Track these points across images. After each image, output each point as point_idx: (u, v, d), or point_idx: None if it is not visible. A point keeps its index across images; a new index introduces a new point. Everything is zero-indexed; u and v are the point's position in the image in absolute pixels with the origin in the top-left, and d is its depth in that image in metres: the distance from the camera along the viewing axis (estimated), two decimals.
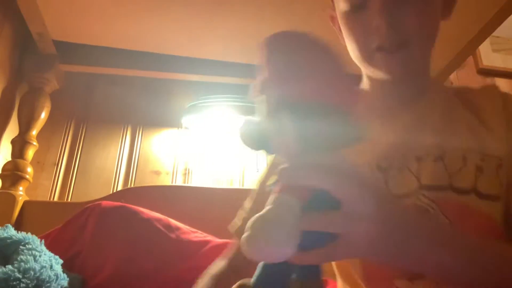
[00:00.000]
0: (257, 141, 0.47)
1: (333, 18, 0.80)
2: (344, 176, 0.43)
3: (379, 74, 0.70)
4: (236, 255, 0.76)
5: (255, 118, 0.47)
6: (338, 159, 0.45)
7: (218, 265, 0.75)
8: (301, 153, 0.44)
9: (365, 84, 0.79)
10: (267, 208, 0.42)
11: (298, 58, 0.45)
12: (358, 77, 0.78)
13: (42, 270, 0.77)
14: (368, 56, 0.68)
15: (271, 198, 0.43)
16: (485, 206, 0.64)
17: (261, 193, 0.80)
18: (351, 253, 0.44)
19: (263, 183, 0.82)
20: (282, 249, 0.40)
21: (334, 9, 0.78)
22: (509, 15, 1.22)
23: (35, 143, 1.32)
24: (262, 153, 1.57)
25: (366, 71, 0.75)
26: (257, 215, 0.41)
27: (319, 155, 0.44)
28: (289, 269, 0.45)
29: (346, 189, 0.43)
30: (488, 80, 1.92)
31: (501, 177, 0.66)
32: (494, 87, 0.76)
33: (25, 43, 1.40)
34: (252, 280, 0.46)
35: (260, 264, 0.46)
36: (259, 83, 0.45)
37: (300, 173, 0.43)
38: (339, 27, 0.77)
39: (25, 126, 1.32)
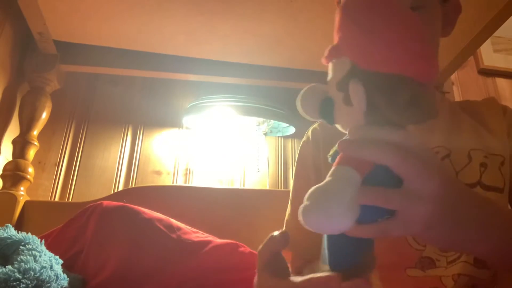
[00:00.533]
0: (319, 109, 0.45)
1: None
2: (408, 154, 0.41)
3: None
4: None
5: (320, 85, 0.45)
6: (403, 136, 0.42)
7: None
8: (367, 126, 0.42)
9: None
10: (326, 179, 0.41)
11: (374, 21, 0.41)
12: None
13: (42, 270, 0.77)
14: None
15: (331, 171, 0.42)
16: (490, 197, 0.67)
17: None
18: (406, 231, 0.43)
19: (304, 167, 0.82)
20: (340, 221, 0.39)
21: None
22: (511, 15, 1.22)
23: (36, 143, 1.32)
24: (256, 148, 1.57)
25: None
26: (315, 186, 0.40)
27: (385, 129, 0.42)
28: (356, 243, 0.44)
29: (410, 168, 0.41)
30: (489, 81, 1.92)
31: (504, 173, 0.70)
32: (494, 99, 0.81)
33: (26, 43, 1.40)
34: (327, 261, 0.45)
35: (326, 243, 0.45)
36: (332, 47, 0.43)
37: (363, 147, 0.41)
38: None
39: (26, 126, 1.32)
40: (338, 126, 0.46)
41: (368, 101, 0.40)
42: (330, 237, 0.45)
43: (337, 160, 0.43)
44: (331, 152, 0.46)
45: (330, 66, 0.45)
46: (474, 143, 0.72)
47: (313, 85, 0.46)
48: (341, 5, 0.43)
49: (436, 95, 0.81)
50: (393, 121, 0.42)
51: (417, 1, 0.67)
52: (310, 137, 0.85)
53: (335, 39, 0.44)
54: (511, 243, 0.48)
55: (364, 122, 0.42)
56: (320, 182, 0.41)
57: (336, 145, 0.43)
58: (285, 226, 0.82)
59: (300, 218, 0.40)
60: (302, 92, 0.46)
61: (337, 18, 0.44)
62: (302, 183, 0.83)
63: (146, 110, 1.58)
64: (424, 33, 0.42)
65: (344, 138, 0.43)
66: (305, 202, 0.40)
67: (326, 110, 0.45)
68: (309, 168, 0.81)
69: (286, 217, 0.83)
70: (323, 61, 0.45)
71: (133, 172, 1.48)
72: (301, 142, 0.88)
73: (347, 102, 0.42)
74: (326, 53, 0.44)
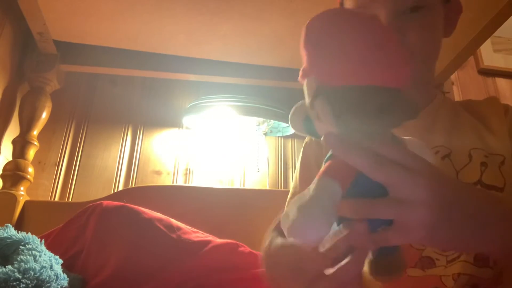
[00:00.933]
0: (303, 127, 0.47)
1: None
2: (384, 160, 0.40)
3: None
4: None
5: (303, 104, 0.46)
6: (386, 141, 0.42)
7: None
8: (341, 134, 0.42)
9: None
10: (308, 189, 0.41)
11: (333, 39, 0.42)
12: None
13: (42, 270, 0.77)
14: None
15: (314, 181, 0.42)
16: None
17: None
18: (407, 239, 0.42)
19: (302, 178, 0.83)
20: (315, 232, 0.40)
21: None
22: (511, 15, 1.22)
23: (36, 143, 1.32)
24: (256, 148, 1.57)
25: None
26: (297, 195, 0.41)
27: (360, 136, 0.42)
28: None
29: (388, 175, 0.40)
30: (489, 80, 1.92)
31: (504, 172, 0.70)
32: (496, 98, 0.81)
33: (25, 43, 1.41)
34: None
35: None
36: (301, 70, 0.44)
37: (344, 147, 0.41)
38: None
39: (26, 126, 1.32)
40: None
41: (339, 115, 0.41)
42: None
43: (321, 170, 0.43)
44: (326, 157, 0.46)
45: (304, 85, 0.45)
46: (475, 143, 0.73)
47: (299, 104, 0.47)
48: (303, 30, 0.44)
49: (438, 94, 0.81)
50: (371, 129, 0.42)
51: (418, 1, 0.68)
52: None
53: (304, 60, 0.45)
54: None
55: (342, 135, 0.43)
56: None
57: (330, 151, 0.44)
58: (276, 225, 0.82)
59: (281, 225, 0.41)
60: (291, 111, 0.48)
61: (302, 37, 0.44)
62: (304, 186, 0.83)
63: (146, 110, 1.58)
64: (388, 40, 0.43)
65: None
66: (288, 212, 0.41)
67: (309, 127, 0.46)
68: (312, 169, 0.81)
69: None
70: (300, 81, 0.45)
71: (133, 172, 1.48)
72: (303, 144, 0.88)
73: (319, 119, 0.43)
74: (300, 73, 0.45)
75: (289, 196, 0.85)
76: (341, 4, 0.80)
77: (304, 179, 0.84)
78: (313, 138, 0.85)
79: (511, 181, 0.70)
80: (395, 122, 0.42)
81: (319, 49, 0.43)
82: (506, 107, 0.78)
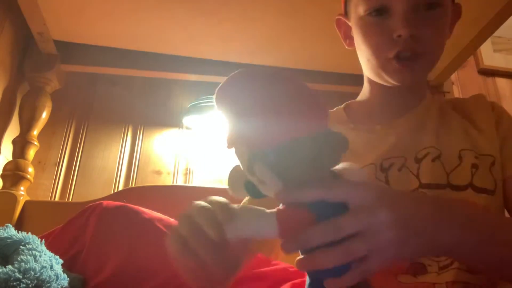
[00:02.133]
0: (246, 190, 0.46)
1: (339, 23, 0.81)
2: (337, 182, 0.43)
3: (389, 81, 0.72)
4: None
5: (240, 167, 0.46)
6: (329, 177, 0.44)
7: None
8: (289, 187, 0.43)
9: (365, 90, 0.81)
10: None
11: (246, 101, 0.43)
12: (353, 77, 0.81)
13: (42, 270, 0.77)
14: (383, 63, 0.71)
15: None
16: (481, 199, 0.67)
17: None
18: (382, 261, 0.42)
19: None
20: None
21: (344, 14, 0.79)
22: (511, 15, 1.22)
23: (36, 143, 1.32)
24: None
25: (374, 77, 0.77)
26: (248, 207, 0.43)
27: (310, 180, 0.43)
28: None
29: (344, 191, 0.42)
30: (489, 80, 1.92)
31: (494, 174, 0.70)
32: (482, 96, 0.81)
33: (26, 43, 1.41)
34: None
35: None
36: (226, 140, 0.44)
37: (297, 192, 0.42)
38: (345, 33, 0.80)
39: (26, 126, 1.32)
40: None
41: (280, 174, 0.42)
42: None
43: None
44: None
45: (234, 153, 0.46)
46: (465, 143, 0.72)
47: (234, 169, 0.47)
48: (215, 101, 0.44)
49: (427, 94, 0.81)
50: (314, 175, 0.43)
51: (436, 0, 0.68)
52: None
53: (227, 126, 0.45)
54: (490, 244, 0.48)
55: (286, 187, 0.44)
56: None
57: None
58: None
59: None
60: (229, 177, 0.48)
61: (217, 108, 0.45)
62: None
63: (146, 110, 1.58)
64: (300, 90, 0.43)
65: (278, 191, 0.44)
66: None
67: (251, 190, 0.46)
68: None
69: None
70: (228, 148, 0.46)
71: (133, 172, 1.48)
72: None
73: (262, 183, 0.43)
74: (226, 142, 0.45)
75: None
76: (345, 3, 0.79)
77: None
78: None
79: (500, 182, 0.70)
80: (332, 161, 0.43)
81: (236, 114, 0.43)
82: (492, 103, 0.79)
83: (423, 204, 0.46)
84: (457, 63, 1.47)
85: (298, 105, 0.42)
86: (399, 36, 0.67)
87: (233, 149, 0.45)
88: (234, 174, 0.47)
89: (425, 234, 0.44)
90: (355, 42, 0.77)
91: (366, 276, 0.42)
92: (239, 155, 0.44)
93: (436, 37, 0.70)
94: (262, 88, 0.43)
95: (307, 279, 0.45)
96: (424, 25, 0.67)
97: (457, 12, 0.77)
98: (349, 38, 0.80)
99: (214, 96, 0.44)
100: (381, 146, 0.73)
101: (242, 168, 0.45)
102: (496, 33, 1.33)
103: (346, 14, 0.80)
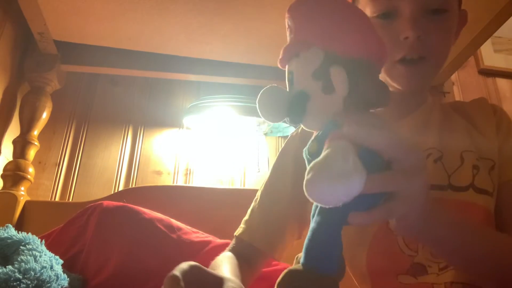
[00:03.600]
0: (290, 104, 0.45)
1: None
2: (395, 136, 0.43)
3: (393, 86, 0.72)
4: (241, 247, 0.76)
5: (277, 86, 0.46)
6: (381, 119, 0.43)
7: (225, 256, 0.72)
8: (344, 112, 0.43)
9: None
10: (324, 153, 0.41)
11: (333, 14, 0.44)
12: None
13: (42, 271, 0.77)
14: (389, 67, 0.70)
15: (325, 147, 0.42)
16: (481, 200, 0.68)
17: (267, 194, 0.81)
18: (408, 208, 0.45)
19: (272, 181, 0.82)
20: (345, 187, 0.38)
21: None
22: (511, 15, 1.22)
23: (36, 143, 1.32)
24: (256, 148, 1.57)
25: None
26: (316, 160, 0.40)
27: (362, 114, 0.43)
28: (337, 242, 0.44)
29: (398, 149, 0.43)
30: (489, 81, 1.92)
31: (492, 177, 0.70)
32: (484, 99, 0.81)
33: (26, 43, 1.41)
34: (301, 260, 0.45)
35: (306, 242, 0.45)
36: (295, 45, 0.44)
37: (352, 131, 0.42)
38: None
39: (26, 126, 1.32)
40: (306, 123, 0.46)
41: (353, 86, 0.42)
42: (312, 236, 0.45)
43: (328, 139, 0.43)
44: (310, 149, 0.46)
45: (296, 62, 0.45)
46: (466, 145, 0.72)
47: (271, 86, 0.47)
48: (297, 5, 0.45)
49: (429, 97, 0.81)
50: (371, 103, 0.43)
51: (444, 4, 0.68)
52: (299, 130, 0.84)
53: (296, 36, 0.45)
54: (478, 250, 0.52)
55: (343, 108, 0.43)
56: (298, 176, 0.41)
57: (311, 142, 0.45)
58: (249, 215, 0.80)
59: (305, 192, 0.39)
60: (261, 93, 0.47)
61: (297, 12, 0.45)
62: (273, 176, 0.82)
63: (146, 110, 1.58)
64: (368, 22, 0.45)
65: (331, 125, 0.43)
66: (307, 176, 0.39)
67: (297, 105, 0.45)
68: (287, 163, 0.80)
69: (252, 205, 0.81)
70: (280, 63, 0.46)
71: (134, 172, 1.48)
72: (289, 136, 0.86)
73: (326, 90, 0.42)
74: (283, 53, 0.46)
75: (262, 186, 0.83)
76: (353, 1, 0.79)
77: (275, 169, 0.82)
78: (299, 131, 0.83)
79: (496, 187, 0.70)
80: (383, 101, 0.44)
81: (320, 24, 0.44)
82: (494, 107, 0.79)
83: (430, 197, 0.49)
84: (457, 63, 1.47)
85: (375, 35, 0.44)
86: (406, 38, 0.66)
87: (266, 97, 0.46)
88: (271, 91, 0.46)
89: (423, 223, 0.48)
90: None
91: (388, 217, 0.45)
92: (310, 57, 0.44)
93: (442, 41, 0.70)
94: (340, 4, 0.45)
95: (313, 223, 0.45)
96: (431, 28, 0.67)
97: (463, 18, 0.77)
98: None
99: (288, 9, 0.46)
100: None
101: (300, 78, 0.44)
102: (496, 33, 1.33)
103: None
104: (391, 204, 0.43)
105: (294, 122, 0.47)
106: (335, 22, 0.43)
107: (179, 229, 1.08)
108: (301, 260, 0.45)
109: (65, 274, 0.86)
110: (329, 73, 0.42)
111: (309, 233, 0.45)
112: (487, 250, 0.54)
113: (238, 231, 0.79)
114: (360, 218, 0.43)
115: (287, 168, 0.79)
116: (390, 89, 0.73)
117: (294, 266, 0.46)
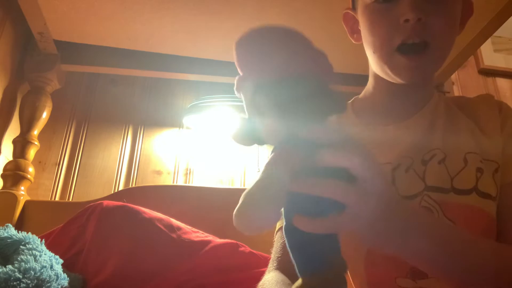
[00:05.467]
0: (246, 136, 0.47)
1: (346, 17, 0.80)
2: (368, 155, 0.42)
3: (395, 79, 0.70)
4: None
5: (243, 117, 0.47)
6: (332, 131, 0.43)
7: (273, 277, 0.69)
8: (288, 134, 0.43)
9: (370, 87, 0.79)
10: (254, 180, 0.42)
11: (263, 46, 0.45)
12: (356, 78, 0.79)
13: (42, 270, 0.78)
14: (388, 55, 0.68)
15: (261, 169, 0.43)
16: (485, 204, 0.66)
17: None
18: (355, 226, 0.43)
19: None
20: (258, 220, 0.40)
21: (351, 7, 0.78)
22: (511, 15, 1.22)
23: (36, 143, 1.32)
24: (256, 148, 1.57)
25: (380, 73, 0.73)
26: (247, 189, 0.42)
27: (311, 129, 0.43)
28: (327, 244, 0.44)
29: (367, 168, 0.42)
30: (489, 80, 1.92)
31: (496, 180, 0.68)
32: (490, 96, 0.78)
33: (26, 43, 1.41)
34: (296, 270, 0.45)
35: (290, 252, 0.45)
36: (235, 83, 0.46)
37: (334, 154, 0.41)
38: (352, 27, 0.78)
39: (26, 126, 1.32)
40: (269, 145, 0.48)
41: (277, 104, 0.43)
42: (292, 244, 0.45)
43: (268, 159, 0.44)
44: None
45: (241, 98, 0.48)
46: (471, 146, 0.70)
47: (242, 117, 0.48)
48: (235, 46, 0.47)
49: (435, 93, 0.79)
50: (309, 119, 0.43)
51: None
52: None
53: (239, 73, 0.47)
54: (452, 257, 0.51)
55: (285, 130, 0.44)
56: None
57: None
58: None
59: (234, 222, 0.41)
60: (236, 125, 0.48)
61: (235, 53, 0.47)
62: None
63: (146, 110, 1.58)
64: (308, 44, 0.45)
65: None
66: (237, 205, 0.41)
67: (252, 135, 0.47)
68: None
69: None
70: (236, 94, 0.47)
71: (133, 172, 1.48)
72: None
73: (262, 114, 0.44)
74: (235, 88, 0.47)
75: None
76: (352, 8, 0.78)
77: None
78: None
79: (499, 189, 0.68)
80: (330, 111, 0.43)
81: (251, 56, 0.46)
82: (500, 105, 0.75)
83: (403, 206, 0.48)
84: (457, 63, 1.47)
85: (307, 54, 0.44)
86: (406, 20, 0.64)
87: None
88: (242, 122, 0.48)
89: (396, 233, 0.46)
90: (362, 35, 0.74)
91: (333, 230, 0.42)
92: (246, 89, 0.46)
93: (445, 26, 0.66)
94: (276, 41, 0.45)
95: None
96: (433, 11, 0.64)
97: (469, 8, 0.74)
98: (356, 32, 0.77)
99: (234, 47, 0.47)
100: (387, 147, 0.71)
101: (245, 104, 0.46)
102: (496, 33, 1.33)
103: (353, 7, 0.78)
104: (337, 217, 0.41)
105: (261, 145, 0.48)
106: (259, 52, 0.46)
107: (179, 228, 1.08)
108: (298, 274, 0.45)
109: (65, 273, 0.86)
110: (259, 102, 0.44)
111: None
112: (477, 262, 0.53)
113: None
114: (302, 223, 0.41)
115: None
116: (392, 81, 0.72)
117: (295, 285, 0.46)
